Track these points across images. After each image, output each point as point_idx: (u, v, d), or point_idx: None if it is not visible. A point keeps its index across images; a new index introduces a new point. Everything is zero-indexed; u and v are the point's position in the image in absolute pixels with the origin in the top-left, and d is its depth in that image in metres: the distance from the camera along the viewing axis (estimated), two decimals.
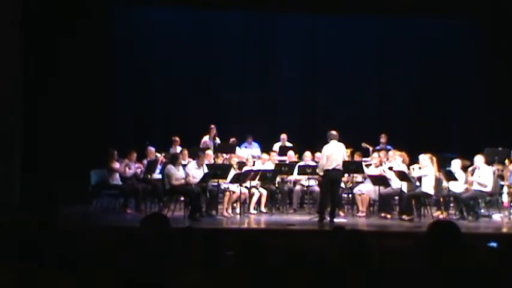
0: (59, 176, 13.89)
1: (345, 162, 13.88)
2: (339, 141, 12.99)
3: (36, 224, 5.19)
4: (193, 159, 13.98)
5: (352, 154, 15.19)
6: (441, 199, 13.75)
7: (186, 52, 18.03)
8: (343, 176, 14.15)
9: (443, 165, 13.67)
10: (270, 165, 14.72)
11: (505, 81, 16.77)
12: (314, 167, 13.76)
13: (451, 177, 13.19)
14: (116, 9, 16.80)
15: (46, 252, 4.39)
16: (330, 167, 12.77)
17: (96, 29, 15.28)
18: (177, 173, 13.23)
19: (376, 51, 18.62)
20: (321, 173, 13.23)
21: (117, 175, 13.78)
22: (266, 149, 16.15)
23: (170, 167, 13.30)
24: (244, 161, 14.95)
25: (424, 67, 18.44)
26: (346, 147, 14.37)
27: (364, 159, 15.20)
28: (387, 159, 14.40)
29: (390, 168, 13.76)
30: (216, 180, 13.31)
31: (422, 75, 18.49)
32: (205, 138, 16.07)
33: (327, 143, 12.95)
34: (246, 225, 12.68)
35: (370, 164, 14.59)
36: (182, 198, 13.64)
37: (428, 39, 18.26)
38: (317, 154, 14.26)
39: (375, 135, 16.69)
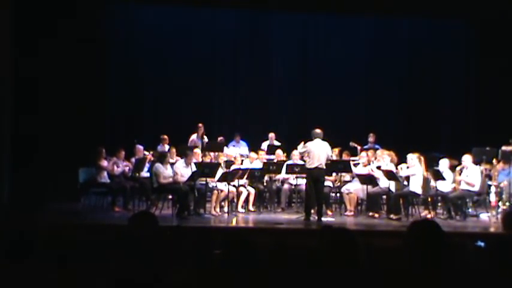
0: (47, 174, 13.88)
1: (333, 161, 13.96)
2: (323, 139, 13.01)
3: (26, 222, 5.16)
4: (182, 158, 13.96)
5: (340, 153, 15.23)
6: (429, 198, 13.76)
7: (176, 50, 18.01)
8: (330, 174, 14.21)
9: (431, 164, 13.69)
10: (258, 164, 14.72)
11: (493, 81, 16.87)
12: (302, 166, 13.75)
13: (438, 176, 13.22)
14: (108, 8, 16.80)
15: (36, 249, 4.37)
16: (312, 166, 12.81)
17: (88, 27, 15.28)
18: (165, 172, 13.22)
19: (366, 50, 18.64)
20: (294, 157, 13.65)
21: (105, 173, 13.74)
22: (254, 147, 16.15)
23: (158, 165, 13.28)
24: (232, 159, 14.94)
25: (414, 67, 18.52)
26: (335, 146, 14.48)
27: (352, 158, 15.22)
28: (375, 158, 14.42)
29: (378, 168, 13.78)
30: (204, 178, 13.30)
31: (411, 75, 18.57)
32: (193, 136, 16.07)
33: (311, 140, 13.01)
34: (234, 224, 12.65)
35: (358, 163, 14.60)
36: (170, 197, 13.64)
37: (419, 38, 18.34)
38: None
39: (363, 135, 16.73)
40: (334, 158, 14.84)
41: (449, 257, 3.85)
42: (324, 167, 12.98)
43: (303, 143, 13.30)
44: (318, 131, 13.07)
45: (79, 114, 14.87)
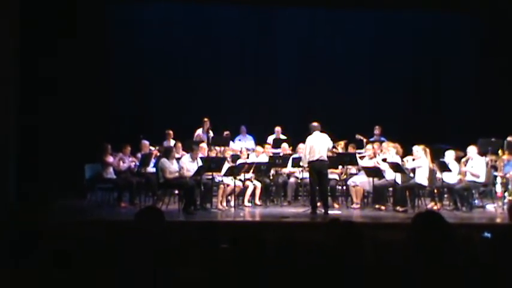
0: (53, 171, 13.91)
1: (339, 154, 14.01)
2: (321, 132, 13.02)
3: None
4: (187, 153, 13.98)
5: (346, 146, 15.24)
6: (435, 190, 13.76)
7: (181, 45, 18.05)
8: (337, 167, 14.23)
9: (436, 156, 13.69)
10: (264, 158, 14.73)
11: (498, 72, 16.85)
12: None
13: (444, 168, 13.22)
14: (113, 4, 16.84)
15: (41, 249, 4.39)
16: (314, 158, 12.80)
17: (93, 23, 15.33)
18: (171, 167, 13.23)
19: (371, 43, 18.63)
20: (305, 165, 13.36)
21: (111, 169, 13.77)
22: (260, 141, 16.16)
23: (164, 160, 13.28)
24: (238, 153, 14.96)
25: (419, 59, 18.47)
26: (341, 139, 14.49)
27: (358, 151, 15.21)
28: (381, 150, 14.41)
29: (384, 160, 13.77)
30: (210, 173, 13.30)
31: (416, 68, 18.54)
32: (199, 131, 16.06)
33: (310, 134, 13.01)
34: (240, 218, 12.63)
35: (364, 156, 14.61)
36: (176, 192, 13.64)
37: (424, 32, 18.34)
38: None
39: (369, 127, 16.71)
40: (340, 150, 14.87)
41: (452, 248, 3.85)
42: (326, 159, 12.97)
43: (307, 140, 13.25)
44: (315, 124, 13.08)
45: (85, 111, 14.89)
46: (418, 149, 13.36)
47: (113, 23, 17.00)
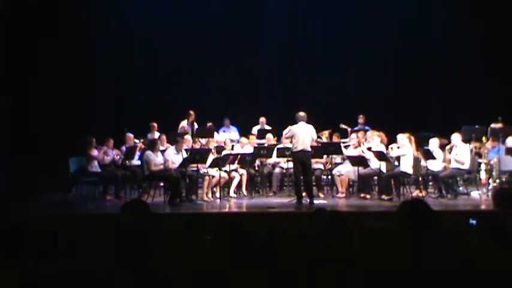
0: (38, 165, 13.85)
1: (323, 144, 14.02)
2: (307, 123, 13.01)
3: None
4: (172, 145, 13.94)
5: (330, 135, 15.26)
6: (420, 178, 13.81)
7: (165, 37, 18.03)
8: (322, 157, 14.26)
9: (421, 144, 13.73)
10: (249, 149, 14.72)
11: (482, 60, 16.91)
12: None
13: (429, 156, 13.25)
14: None
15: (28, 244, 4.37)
16: (297, 149, 12.80)
17: (77, 16, 15.26)
18: (156, 159, 13.19)
19: (355, 31, 18.63)
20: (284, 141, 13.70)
21: (96, 162, 13.73)
22: (245, 132, 16.15)
23: (149, 153, 13.24)
24: (223, 145, 14.95)
25: (403, 47, 18.46)
26: (325, 129, 14.50)
27: (342, 140, 15.25)
28: (365, 139, 14.42)
29: (369, 149, 13.79)
30: (195, 165, 13.29)
31: (400, 55, 18.54)
32: (183, 123, 16.00)
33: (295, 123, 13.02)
34: (226, 209, 12.63)
35: (349, 145, 14.63)
36: (162, 184, 13.64)
37: (408, 19, 18.32)
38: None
39: (353, 116, 16.74)
40: (325, 140, 14.88)
41: (438, 235, 3.86)
42: (309, 150, 12.97)
43: (292, 127, 13.28)
44: (301, 114, 13.05)
45: (68, 105, 14.85)
46: (402, 137, 13.36)
47: (96, 17, 16.91)
